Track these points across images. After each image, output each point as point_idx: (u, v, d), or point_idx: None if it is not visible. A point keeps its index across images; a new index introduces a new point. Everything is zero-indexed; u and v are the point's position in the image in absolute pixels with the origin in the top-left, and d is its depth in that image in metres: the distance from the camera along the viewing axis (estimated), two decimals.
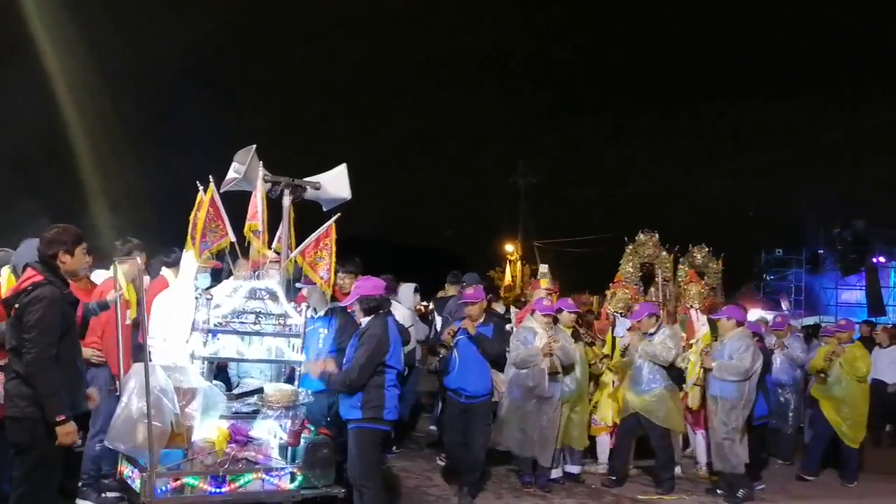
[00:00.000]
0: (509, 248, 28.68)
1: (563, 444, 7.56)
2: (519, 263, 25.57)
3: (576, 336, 7.64)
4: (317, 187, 6.21)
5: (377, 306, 5.36)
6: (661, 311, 8.32)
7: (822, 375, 8.58)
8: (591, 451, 8.26)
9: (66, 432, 4.17)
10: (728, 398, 7.20)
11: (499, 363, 7.14)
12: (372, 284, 5.45)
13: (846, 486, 8.46)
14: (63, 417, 4.16)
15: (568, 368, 7.33)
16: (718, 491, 7.45)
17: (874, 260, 20.15)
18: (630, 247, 9.69)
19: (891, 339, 11.88)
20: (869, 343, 12.32)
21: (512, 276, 23.20)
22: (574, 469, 7.80)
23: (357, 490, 5.24)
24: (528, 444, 7.17)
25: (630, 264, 9.57)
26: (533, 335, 7.25)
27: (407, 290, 8.88)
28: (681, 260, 9.72)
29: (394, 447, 8.17)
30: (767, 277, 21.86)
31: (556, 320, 7.66)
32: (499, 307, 9.81)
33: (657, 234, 9.77)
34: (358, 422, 5.21)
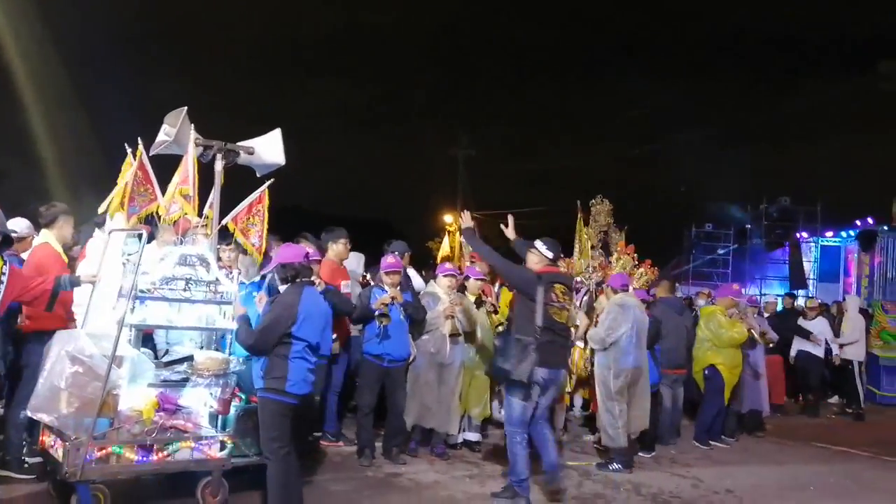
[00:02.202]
0: (448, 219, 28.89)
1: (463, 410, 7.49)
2: (458, 234, 25.70)
3: (479, 303, 7.64)
4: (250, 152, 6.09)
5: (295, 275, 5.10)
6: None
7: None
8: None
9: None
10: (598, 367, 7.30)
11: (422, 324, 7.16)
12: (293, 252, 5.19)
13: (718, 446, 8.62)
14: None
15: (470, 334, 7.35)
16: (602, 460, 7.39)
17: (797, 235, 20.90)
18: (591, 215, 9.17)
19: (818, 311, 12.44)
20: (792, 315, 12.90)
21: (451, 247, 23.29)
22: (473, 436, 7.60)
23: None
24: (428, 414, 7.14)
25: (587, 234, 9.13)
26: (435, 300, 7.24)
27: (354, 258, 8.79)
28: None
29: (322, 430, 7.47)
30: (696, 252, 22.42)
31: (463, 288, 7.68)
32: None
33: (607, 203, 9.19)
34: (262, 391, 4.95)
